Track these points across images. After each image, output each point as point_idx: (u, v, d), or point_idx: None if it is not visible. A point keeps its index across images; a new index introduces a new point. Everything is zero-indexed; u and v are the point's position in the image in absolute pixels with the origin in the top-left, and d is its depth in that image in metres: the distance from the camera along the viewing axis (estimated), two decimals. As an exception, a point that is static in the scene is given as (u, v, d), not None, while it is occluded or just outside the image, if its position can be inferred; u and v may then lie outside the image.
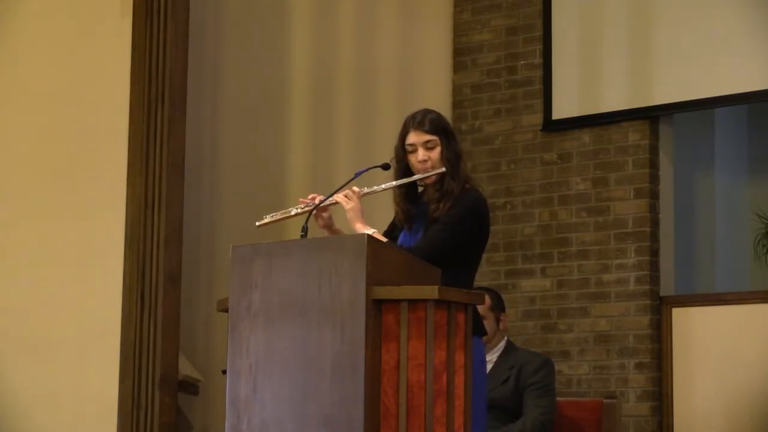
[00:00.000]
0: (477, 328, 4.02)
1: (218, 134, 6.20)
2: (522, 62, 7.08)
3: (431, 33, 7.26)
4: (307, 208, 4.09)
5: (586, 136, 6.83)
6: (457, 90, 7.28)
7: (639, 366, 6.49)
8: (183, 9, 5.52)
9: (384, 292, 3.56)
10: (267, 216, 4.14)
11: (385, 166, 4.24)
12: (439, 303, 3.59)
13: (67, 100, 5.64)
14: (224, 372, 3.84)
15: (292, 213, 4.10)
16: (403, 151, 4.15)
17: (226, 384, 3.79)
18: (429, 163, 4.09)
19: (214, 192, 6.14)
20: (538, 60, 7.01)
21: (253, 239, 4.12)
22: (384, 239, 4.03)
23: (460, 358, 3.67)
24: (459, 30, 7.33)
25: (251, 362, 3.72)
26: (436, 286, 3.62)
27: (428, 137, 4.09)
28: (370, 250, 3.54)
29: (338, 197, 4.09)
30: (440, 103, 7.19)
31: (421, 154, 4.09)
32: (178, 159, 5.45)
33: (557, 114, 6.90)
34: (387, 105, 6.89)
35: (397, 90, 6.97)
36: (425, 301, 3.57)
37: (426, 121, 4.11)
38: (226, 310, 3.88)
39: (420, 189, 4.24)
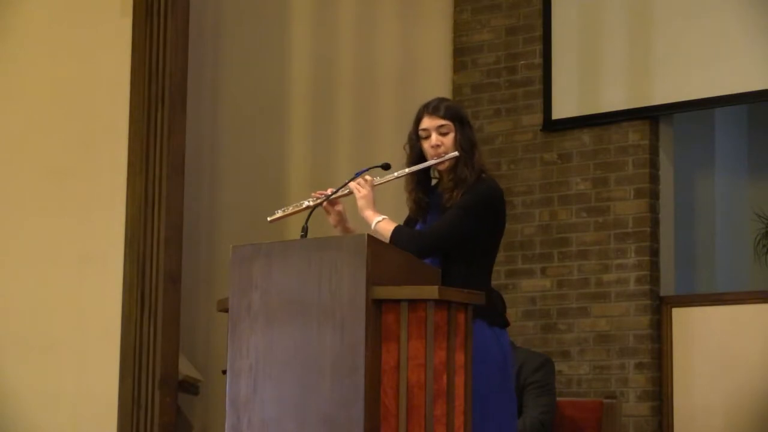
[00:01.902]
0: (501, 320, 4.02)
1: (218, 134, 6.20)
2: (522, 62, 7.08)
3: (431, 33, 7.27)
4: (319, 200, 4.02)
5: (586, 136, 6.83)
6: (457, 90, 7.28)
7: (639, 366, 6.49)
8: (183, 9, 5.52)
9: (384, 292, 3.55)
10: (279, 210, 4.05)
11: (385, 166, 4.22)
12: (439, 303, 3.59)
13: (68, 100, 5.64)
14: (224, 372, 3.84)
15: (304, 206, 4.01)
16: (416, 138, 4.07)
17: (226, 384, 3.79)
18: (442, 149, 4.00)
19: (214, 192, 6.14)
20: (538, 60, 7.01)
21: (253, 239, 4.11)
22: (393, 225, 3.96)
23: (460, 358, 3.67)
24: (459, 30, 7.33)
25: (251, 362, 3.72)
26: (436, 286, 3.62)
27: (442, 122, 4.01)
28: (370, 250, 3.54)
29: (351, 185, 4.01)
30: (440, 103, 7.18)
31: (434, 138, 4.01)
32: (178, 159, 5.45)
33: (557, 114, 6.90)
34: (387, 105, 6.89)
35: (397, 90, 6.96)
36: (425, 301, 3.57)
37: (441, 107, 4.04)
38: (226, 310, 3.88)
39: (434, 181, 4.16)
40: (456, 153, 3.99)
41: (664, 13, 6.61)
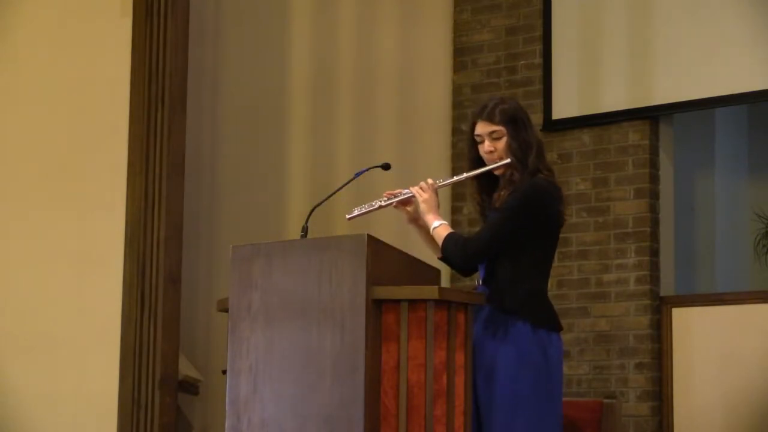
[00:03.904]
0: (549, 323, 3.97)
1: (218, 134, 6.20)
2: (522, 62, 7.08)
3: (431, 33, 7.27)
4: (388, 201, 4.03)
5: (586, 136, 6.83)
6: (457, 90, 7.28)
7: (639, 366, 6.49)
8: (183, 9, 5.52)
9: (384, 292, 3.56)
10: (355, 209, 4.04)
11: (385, 166, 4.23)
12: (439, 303, 3.59)
13: (67, 100, 5.65)
14: (224, 372, 3.84)
15: (377, 205, 4.03)
16: (472, 143, 4.06)
17: (226, 384, 3.79)
18: (495, 154, 3.98)
19: (214, 192, 6.14)
20: (538, 60, 7.01)
21: (253, 239, 4.11)
22: (447, 231, 3.93)
23: (460, 358, 3.67)
24: (459, 30, 7.33)
25: (251, 362, 3.72)
26: (436, 286, 3.62)
27: (493, 128, 3.98)
28: (370, 250, 3.54)
29: (413, 189, 4.02)
30: (440, 103, 7.19)
31: (487, 145, 3.99)
32: (178, 159, 5.45)
33: (557, 114, 6.90)
34: (387, 105, 6.89)
35: (397, 90, 6.96)
36: (425, 301, 3.57)
37: (494, 111, 4.00)
38: (226, 310, 3.88)
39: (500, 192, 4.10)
40: (508, 160, 3.97)
41: (664, 13, 6.61)
